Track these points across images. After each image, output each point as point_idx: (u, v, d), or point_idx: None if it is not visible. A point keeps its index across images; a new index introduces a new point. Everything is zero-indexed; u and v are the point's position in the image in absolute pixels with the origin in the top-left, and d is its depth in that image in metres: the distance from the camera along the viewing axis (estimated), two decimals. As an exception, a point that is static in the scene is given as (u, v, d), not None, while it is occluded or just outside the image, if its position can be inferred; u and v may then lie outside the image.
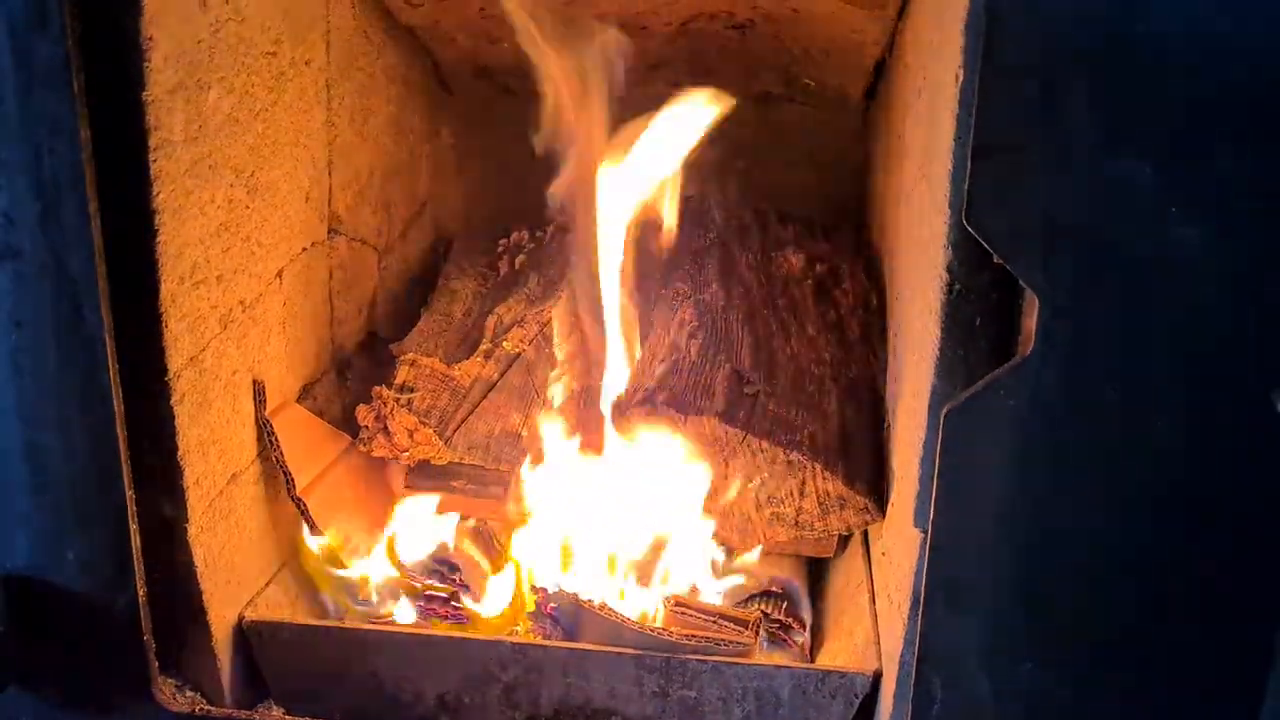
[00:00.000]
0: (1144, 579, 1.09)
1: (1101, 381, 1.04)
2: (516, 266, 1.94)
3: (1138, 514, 1.07)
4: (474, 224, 2.19)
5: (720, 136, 2.30)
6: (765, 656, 1.49)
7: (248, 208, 1.40)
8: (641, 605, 1.48)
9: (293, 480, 1.48)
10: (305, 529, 1.51)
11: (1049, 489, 1.08)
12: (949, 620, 1.13)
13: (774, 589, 1.61)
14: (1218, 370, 1.02)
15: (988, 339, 1.11)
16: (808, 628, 1.57)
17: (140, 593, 1.27)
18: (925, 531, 1.13)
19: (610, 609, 1.38)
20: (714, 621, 1.41)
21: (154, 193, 1.20)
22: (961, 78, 1.05)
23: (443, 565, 1.53)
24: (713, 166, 2.32)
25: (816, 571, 1.72)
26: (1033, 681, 1.14)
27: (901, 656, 1.22)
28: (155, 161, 1.19)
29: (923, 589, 1.13)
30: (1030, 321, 1.05)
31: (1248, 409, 1.02)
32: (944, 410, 1.09)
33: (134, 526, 1.24)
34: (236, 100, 1.35)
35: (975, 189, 1.02)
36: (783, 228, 2.01)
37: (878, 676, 1.33)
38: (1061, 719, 1.14)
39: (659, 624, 1.42)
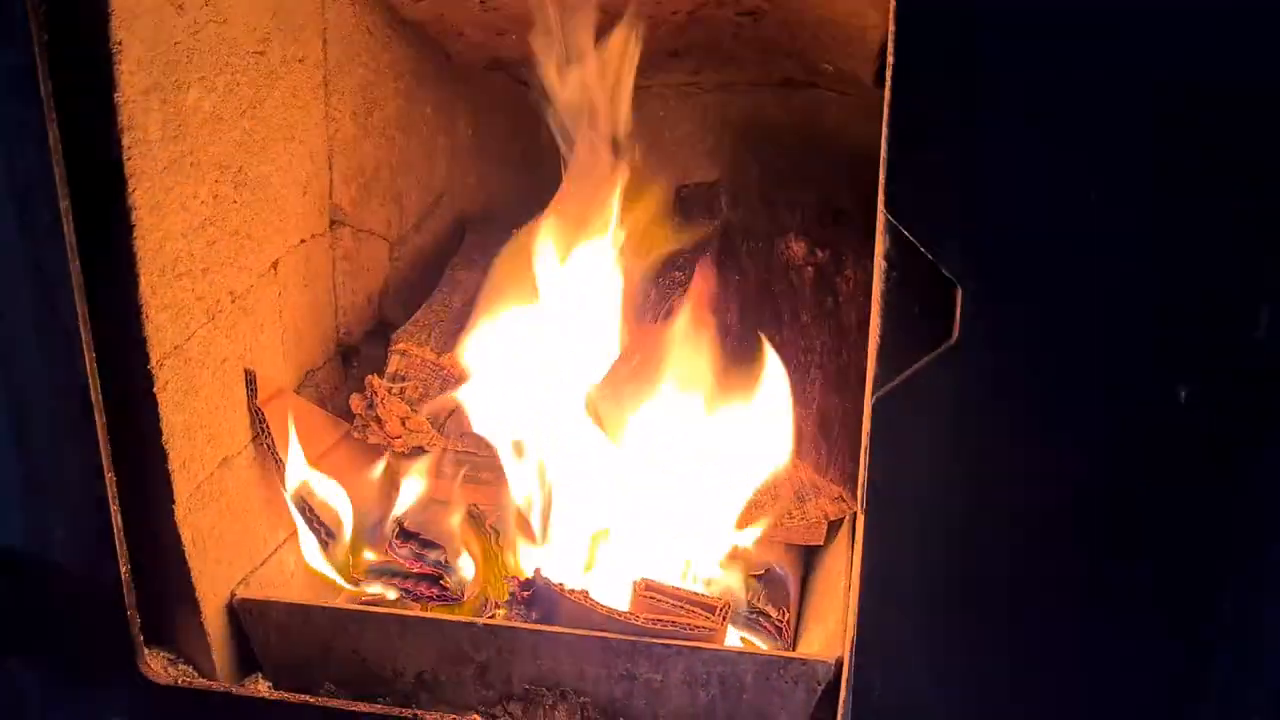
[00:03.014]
0: (1070, 566, 1.08)
1: (1024, 370, 1.02)
2: (526, 256, 1.97)
3: (1063, 503, 1.06)
4: (493, 214, 2.22)
5: (742, 123, 2.32)
6: (747, 643, 1.50)
7: (235, 202, 1.45)
8: (615, 588, 1.50)
9: (284, 467, 1.54)
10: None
11: (974, 477, 1.07)
12: (884, 607, 1.13)
13: (763, 574, 1.61)
14: (1137, 359, 1.00)
15: (928, 327, 1.10)
16: (791, 613, 1.57)
17: (123, 569, 1.33)
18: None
19: (579, 593, 1.40)
20: (682, 606, 1.42)
21: (129, 190, 1.25)
22: (891, 60, 1.05)
23: (429, 546, 1.57)
24: (733, 153, 2.34)
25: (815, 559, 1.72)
26: (969, 668, 1.13)
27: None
28: (130, 160, 1.24)
29: (858, 575, 1.13)
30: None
31: (1166, 399, 0.99)
32: (874, 397, 1.08)
33: (114, 507, 1.31)
34: (219, 99, 1.40)
35: (894, 175, 1.01)
36: (791, 214, 2.00)
37: (839, 664, 1.32)
38: (999, 706, 1.13)
39: (629, 608, 1.44)
